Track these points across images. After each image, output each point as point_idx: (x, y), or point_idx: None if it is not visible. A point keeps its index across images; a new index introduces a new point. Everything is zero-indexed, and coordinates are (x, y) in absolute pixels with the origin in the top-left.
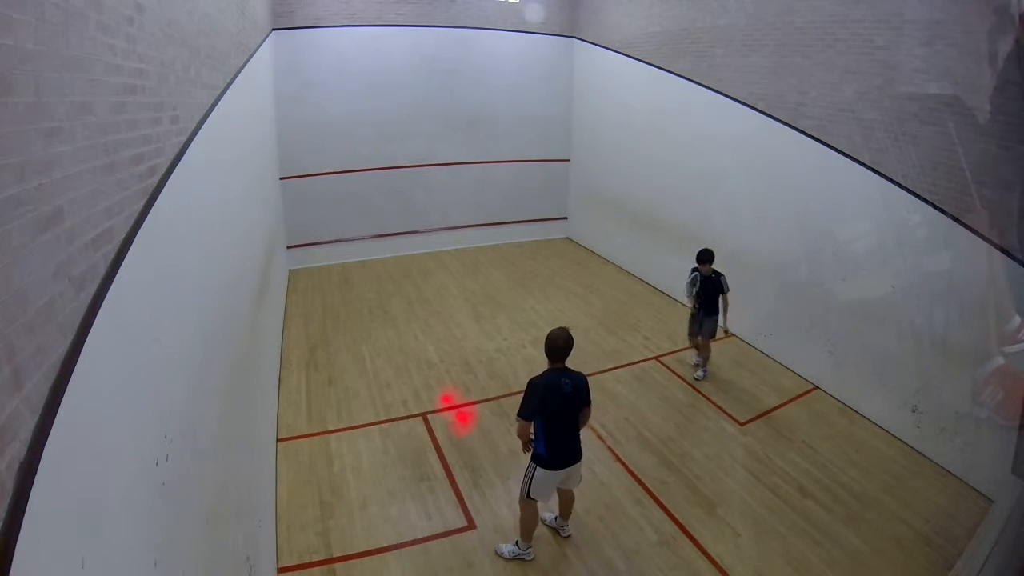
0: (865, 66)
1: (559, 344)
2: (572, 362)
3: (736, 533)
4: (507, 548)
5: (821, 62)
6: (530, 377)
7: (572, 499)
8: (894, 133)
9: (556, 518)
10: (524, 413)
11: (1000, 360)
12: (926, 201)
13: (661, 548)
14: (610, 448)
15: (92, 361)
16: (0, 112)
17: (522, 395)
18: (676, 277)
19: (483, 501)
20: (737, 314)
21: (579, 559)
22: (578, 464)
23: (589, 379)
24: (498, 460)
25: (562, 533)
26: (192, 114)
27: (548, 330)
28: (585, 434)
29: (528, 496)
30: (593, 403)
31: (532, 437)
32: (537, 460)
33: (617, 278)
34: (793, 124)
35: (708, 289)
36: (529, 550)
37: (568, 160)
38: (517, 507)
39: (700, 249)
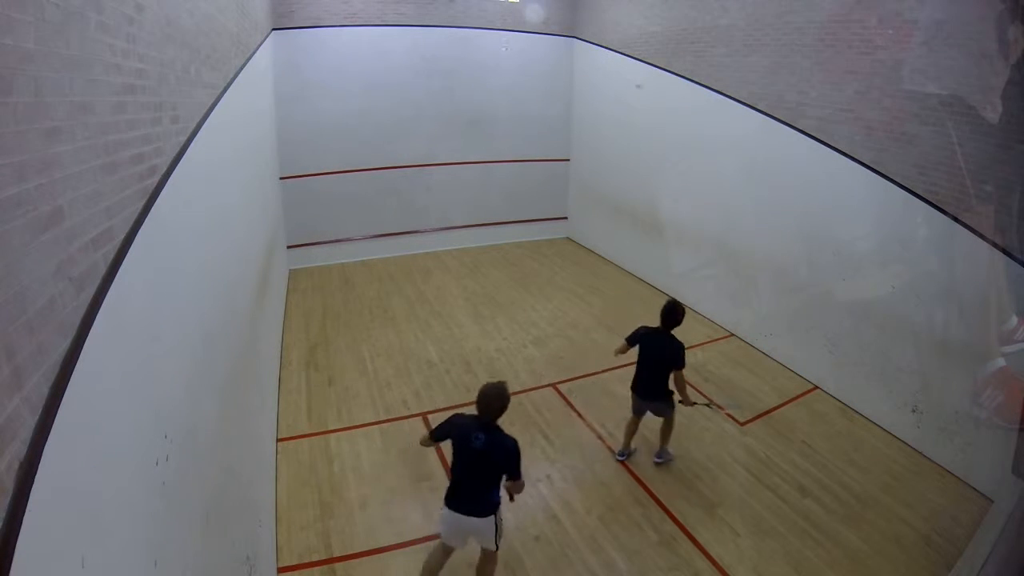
0: (865, 66)
1: (480, 398)
2: (573, 363)
3: (736, 533)
4: None
5: (821, 62)
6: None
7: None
8: (894, 133)
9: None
10: (432, 434)
11: (1001, 361)
12: (926, 201)
13: (661, 548)
14: (610, 448)
15: (92, 361)
16: (0, 112)
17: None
18: (676, 277)
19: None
20: (737, 314)
21: (579, 559)
22: (476, 520)
23: (590, 379)
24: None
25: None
26: (192, 114)
27: (548, 330)
28: (586, 434)
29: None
30: (594, 403)
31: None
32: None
33: (617, 278)
34: (793, 124)
35: (649, 353)
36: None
37: (568, 160)
38: (517, 505)
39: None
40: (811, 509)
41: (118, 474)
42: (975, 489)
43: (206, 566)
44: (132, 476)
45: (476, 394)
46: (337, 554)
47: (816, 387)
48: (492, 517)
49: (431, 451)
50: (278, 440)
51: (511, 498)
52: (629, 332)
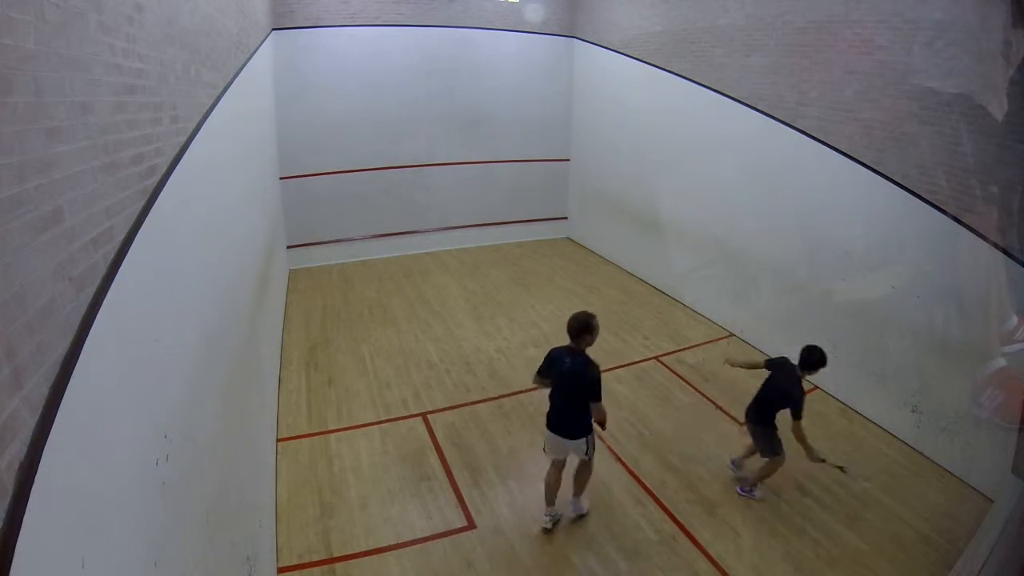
0: (865, 66)
1: (569, 324)
2: None
3: (736, 533)
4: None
5: (821, 62)
6: (534, 371)
7: (586, 475)
8: (894, 133)
9: None
10: (538, 371)
11: (1001, 361)
12: (926, 201)
13: (661, 548)
14: (610, 448)
15: (92, 361)
16: (0, 112)
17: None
18: (676, 277)
19: (483, 501)
20: (737, 314)
21: (579, 559)
22: (571, 441)
23: None
24: (498, 460)
25: (571, 510)
26: (192, 114)
27: (548, 330)
28: None
29: (544, 449)
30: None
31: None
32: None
33: (617, 278)
34: (793, 124)
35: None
36: (545, 517)
37: (568, 160)
38: (517, 507)
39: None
40: (811, 509)
41: (118, 474)
42: (975, 489)
43: (206, 566)
44: (132, 476)
45: (475, 394)
46: (337, 554)
47: (816, 387)
48: (583, 440)
49: (431, 451)
50: (278, 440)
51: (602, 427)
52: (629, 332)
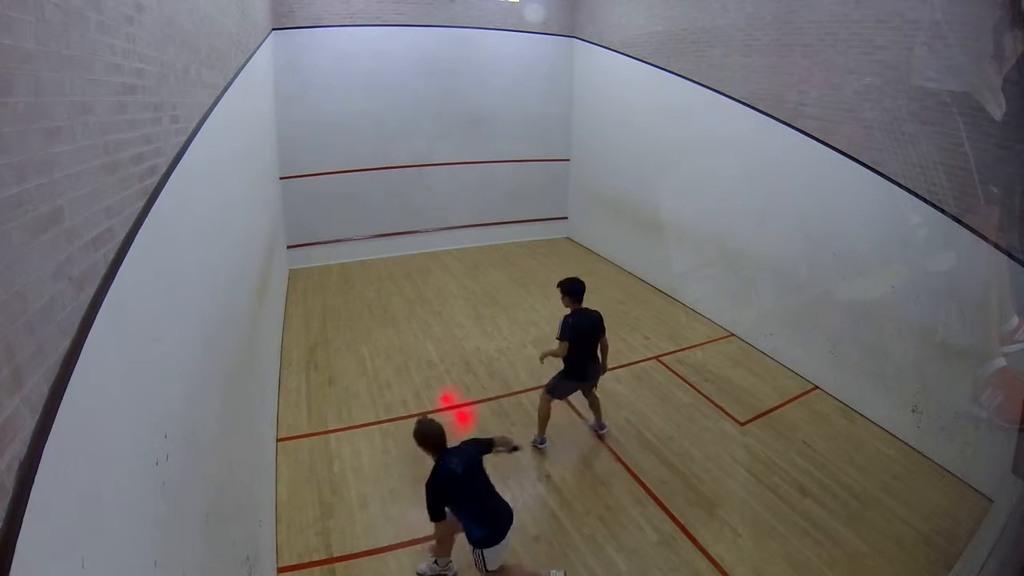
0: (865, 66)
1: (431, 435)
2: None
3: (736, 533)
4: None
5: (821, 62)
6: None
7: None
8: (894, 133)
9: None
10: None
11: (1001, 361)
12: (926, 201)
13: (661, 548)
14: (610, 448)
15: (92, 361)
16: (0, 112)
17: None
18: (676, 277)
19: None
20: (737, 314)
21: (579, 559)
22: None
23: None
24: (498, 460)
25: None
26: (192, 114)
27: (548, 330)
28: (585, 433)
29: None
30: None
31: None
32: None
33: (617, 278)
34: (793, 124)
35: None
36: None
37: (568, 160)
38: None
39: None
40: (811, 509)
41: (118, 474)
42: (975, 489)
43: (206, 566)
44: (132, 476)
45: (475, 394)
46: (337, 554)
47: (816, 387)
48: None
49: None
50: (278, 440)
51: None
52: (629, 332)
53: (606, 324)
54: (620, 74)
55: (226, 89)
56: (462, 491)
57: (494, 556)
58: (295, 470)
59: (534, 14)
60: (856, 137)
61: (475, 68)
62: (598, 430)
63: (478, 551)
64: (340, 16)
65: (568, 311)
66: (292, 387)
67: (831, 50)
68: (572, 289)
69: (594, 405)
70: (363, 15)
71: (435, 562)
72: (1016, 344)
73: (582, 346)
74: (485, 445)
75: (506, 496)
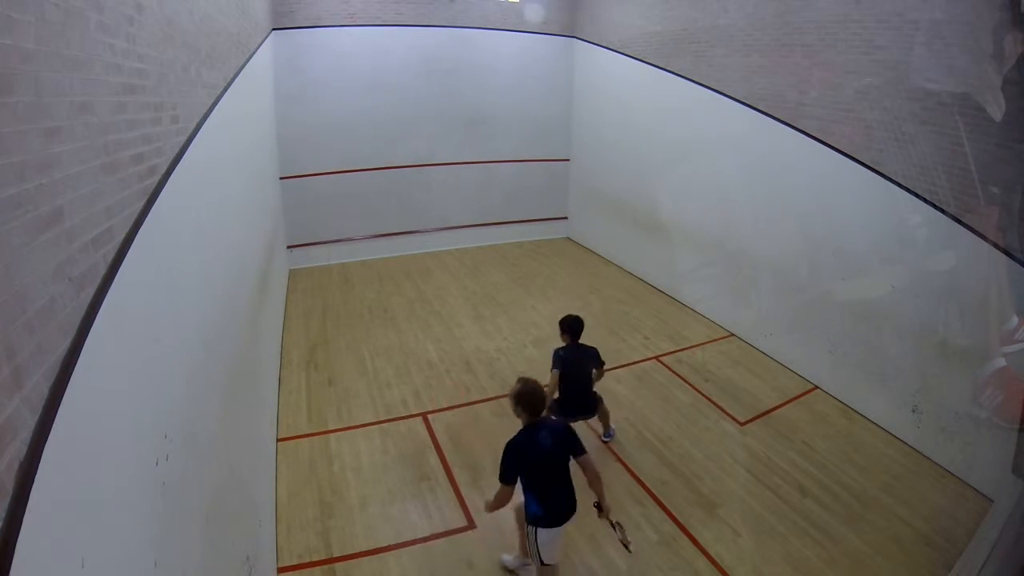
0: (865, 66)
1: (533, 395)
2: None
3: (736, 533)
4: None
5: (821, 62)
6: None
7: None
8: (894, 133)
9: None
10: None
11: (1001, 361)
12: (926, 201)
13: (661, 548)
14: (610, 448)
15: (92, 361)
16: (0, 112)
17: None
18: (676, 277)
19: (483, 501)
20: (737, 314)
21: (579, 559)
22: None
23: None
24: (498, 460)
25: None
26: (192, 114)
27: (548, 330)
28: (585, 433)
29: (543, 563)
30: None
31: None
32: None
33: (617, 278)
34: (793, 124)
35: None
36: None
37: (568, 160)
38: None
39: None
40: (811, 509)
41: (118, 474)
42: (975, 489)
43: (206, 566)
44: (132, 476)
45: (475, 394)
46: (337, 554)
47: (816, 387)
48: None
49: (431, 451)
50: (278, 440)
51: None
52: (629, 332)
53: (606, 324)
54: (620, 74)
55: (226, 89)
56: (540, 467)
57: (548, 543)
58: (295, 470)
59: (534, 14)
60: (856, 137)
61: (475, 68)
62: (604, 439)
63: (532, 528)
64: (340, 16)
65: (563, 344)
66: (292, 387)
67: (831, 50)
68: (570, 327)
69: (602, 416)
70: (363, 15)
71: (518, 557)
72: (1016, 344)
73: (574, 378)
74: (578, 446)
75: None
